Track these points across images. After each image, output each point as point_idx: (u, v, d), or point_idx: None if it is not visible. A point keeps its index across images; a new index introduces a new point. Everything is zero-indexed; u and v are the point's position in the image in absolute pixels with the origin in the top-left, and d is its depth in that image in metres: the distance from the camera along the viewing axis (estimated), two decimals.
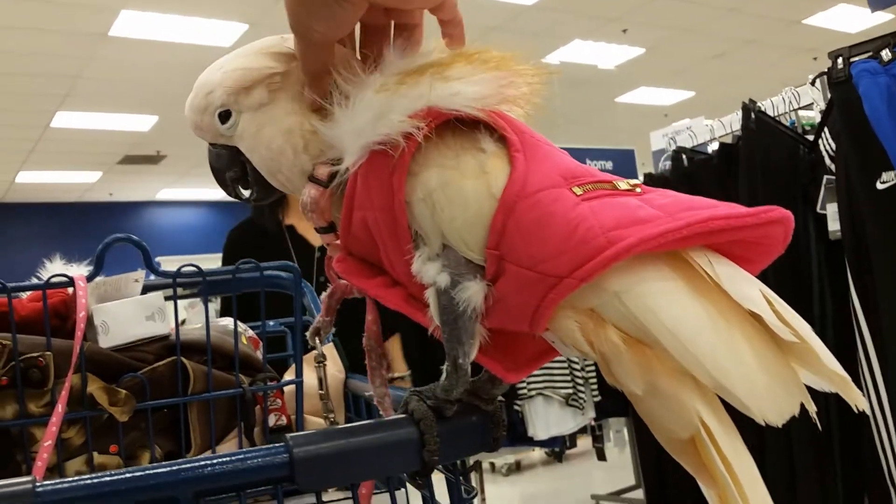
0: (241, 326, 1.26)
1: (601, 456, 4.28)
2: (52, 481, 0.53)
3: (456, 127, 0.62)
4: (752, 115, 2.16)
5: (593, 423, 5.17)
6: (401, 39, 0.68)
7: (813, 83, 2.18)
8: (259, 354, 1.32)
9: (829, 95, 2.10)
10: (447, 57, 0.64)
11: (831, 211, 2.08)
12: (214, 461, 0.56)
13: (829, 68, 1.99)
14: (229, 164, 0.71)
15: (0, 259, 12.32)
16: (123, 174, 11.74)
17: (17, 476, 1.03)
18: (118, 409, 1.07)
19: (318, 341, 0.79)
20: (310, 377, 1.25)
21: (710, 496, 0.57)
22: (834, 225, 2.06)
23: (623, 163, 9.06)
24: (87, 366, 1.06)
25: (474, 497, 0.68)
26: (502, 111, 0.64)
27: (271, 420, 1.19)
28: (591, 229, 0.57)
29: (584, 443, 5.64)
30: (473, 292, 0.60)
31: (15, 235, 12.58)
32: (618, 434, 5.11)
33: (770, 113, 2.30)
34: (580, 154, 8.90)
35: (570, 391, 5.16)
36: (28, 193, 12.18)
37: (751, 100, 2.22)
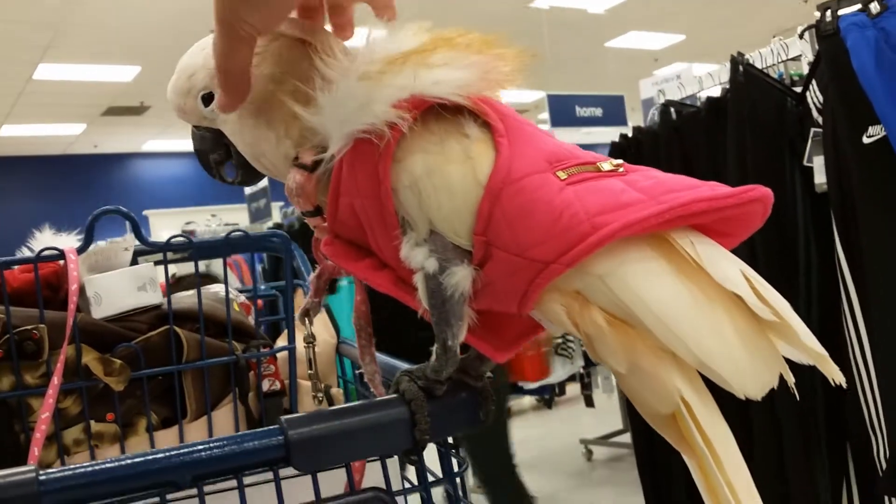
0: (233, 293, 1.27)
1: (589, 403, 4.36)
2: (55, 470, 0.54)
3: (439, 112, 0.62)
4: (741, 68, 2.15)
5: (582, 370, 5.25)
6: (336, 17, 0.67)
7: (801, 36, 2.17)
8: (251, 319, 1.34)
9: (817, 48, 2.09)
10: (429, 42, 0.63)
11: (818, 164, 2.09)
12: (212, 445, 0.58)
13: (817, 21, 1.98)
14: (213, 147, 0.71)
15: None
16: (108, 126, 11.61)
17: (17, 445, 1.06)
18: (113, 378, 1.09)
19: (307, 322, 0.80)
20: (302, 342, 1.27)
21: (692, 465, 0.59)
22: (820, 178, 2.07)
23: (612, 109, 9.00)
24: (81, 337, 1.07)
25: (465, 469, 0.70)
26: (485, 95, 0.64)
27: (265, 385, 1.21)
28: (575, 215, 0.57)
29: (573, 389, 5.73)
30: (461, 277, 0.61)
31: (1, 190, 12.48)
32: (606, 380, 5.19)
33: (758, 65, 2.29)
34: (569, 101, 8.83)
35: (560, 341, 5.23)
36: (12, 147, 12.05)
37: (739, 52, 2.21)
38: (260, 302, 1.39)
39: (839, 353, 2.02)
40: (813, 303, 2.08)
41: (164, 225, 8.33)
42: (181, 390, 1.16)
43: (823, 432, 1.96)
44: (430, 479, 0.69)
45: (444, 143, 0.62)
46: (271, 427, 0.60)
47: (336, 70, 0.62)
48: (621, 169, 0.63)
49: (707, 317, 0.57)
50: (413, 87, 0.60)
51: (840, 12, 1.92)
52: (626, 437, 4.96)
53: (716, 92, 2.49)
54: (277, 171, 0.68)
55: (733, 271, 0.57)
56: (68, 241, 1.23)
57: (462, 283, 0.61)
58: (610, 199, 0.58)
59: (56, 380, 1.01)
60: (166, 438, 1.15)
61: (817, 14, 2.04)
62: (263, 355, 1.20)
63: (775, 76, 2.31)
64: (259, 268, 4.79)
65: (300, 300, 1.33)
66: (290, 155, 0.66)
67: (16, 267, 1.21)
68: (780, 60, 2.31)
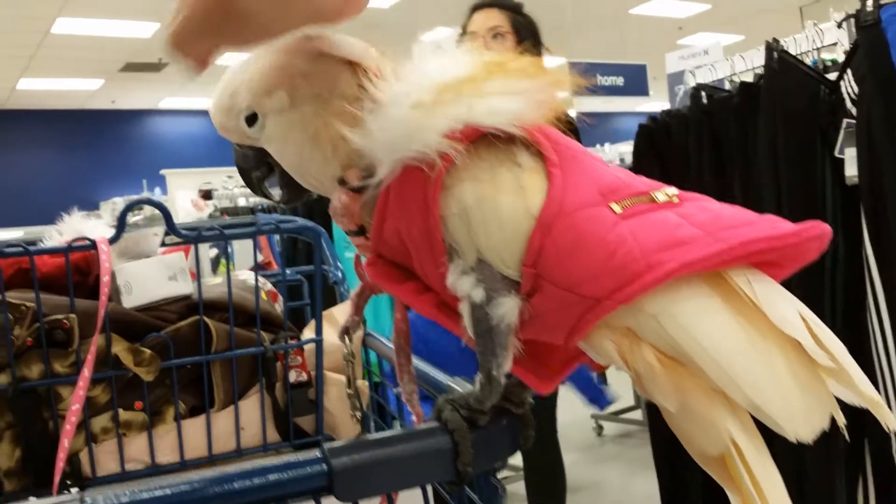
0: (260, 280, 1.27)
1: (602, 379, 4.35)
2: (100, 495, 0.54)
3: (491, 139, 0.61)
4: (775, 55, 2.11)
5: None
6: None
7: (840, 25, 2.12)
8: (278, 307, 1.34)
9: (854, 37, 2.04)
10: (482, 70, 0.61)
11: (849, 155, 2.04)
12: (255, 475, 0.57)
13: (857, 10, 1.93)
14: (256, 165, 0.70)
15: (3, 165, 12.29)
16: (125, 81, 11.57)
17: (45, 432, 1.06)
18: (143, 368, 1.09)
19: (347, 340, 0.79)
20: (329, 335, 1.27)
21: (735, 502, 0.58)
22: (851, 170, 2.03)
23: (634, 78, 8.88)
24: (111, 326, 1.07)
25: (504, 497, 0.69)
26: (539, 123, 0.62)
27: (292, 376, 1.21)
28: (630, 252, 0.56)
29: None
30: (508, 308, 0.60)
31: (17, 142, 12.51)
32: None
33: (792, 51, 2.24)
34: (590, 70, 8.74)
35: None
36: (31, 100, 12.04)
37: (774, 39, 2.16)
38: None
39: (862, 348, 2.01)
40: (837, 297, 2.06)
41: (182, 185, 8.31)
42: (209, 380, 1.16)
43: (843, 433, 1.94)
44: None
45: (495, 172, 0.61)
46: (314, 456, 0.59)
47: (387, 94, 0.61)
48: (676, 199, 0.61)
49: (762, 359, 0.55)
50: (467, 118, 0.59)
51: (883, 1, 1.87)
52: (637, 414, 4.98)
53: (748, 77, 2.44)
54: (324, 189, 0.67)
55: (791, 313, 0.56)
56: (97, 226, 1.22)
57: (509, 314, 0.60)
58: (666, 236, 0.57)
59: (87, 372, 1.01)
60: (194, 427, 1.16)
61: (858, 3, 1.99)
62: (291, 347, 1.20)
63: (809, 63, 2.26)
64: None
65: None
66: (338, 174, 0.65)
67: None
68: (814, 48, 2.26)
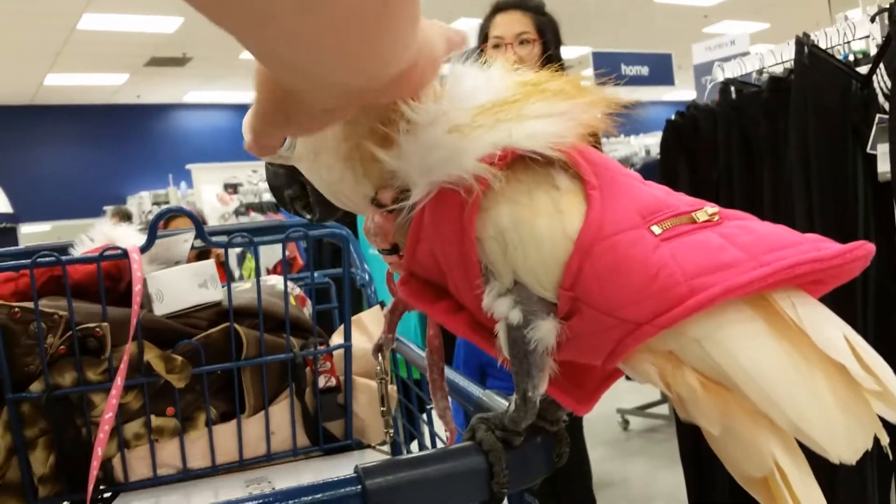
0: (289, 285, 1.27)
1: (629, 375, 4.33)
2: None
3: (529, 161, 0.60)
4: (806, 50, 2.08)
5: None
6: None
7: (873, 19, 2.08)
8: (306, 311, 1.34)
9: (886, 30, 2.01)
10: (521, 92, 0.60)
11: (882, 151, 2.01)
12: (290, 497, 0.58)
13: (891, 3, 1.90)
14: (288, 183, 0.69)
15: (31, 160, 12.44)
16: (150, 76, 11.66)
17: (79, 439, 1.08)
18: (175, 375, 1.10)
19: (380, 358, 0.79)
20: (358, 340, 1.27)
21: None
22: (884, 166, 2.01)
23: (659, 68, 8.80)
24: (143, 334, 1.07)
25: None
26: (578, 144, 0.61)
27: (321, 381, 1.21)
28: (672, 276, 0.55)
29: None
30: (546, 331, 0.59)
31: (45, 137, 12.65)
32: None
33: (822, 44, 2.21)
34: (615, 59, 8.65)
35: None
36: (57, 96, 12.17)
37: (805, 33, 2.13)
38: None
39: (894, 347, 1.98)
40: (870, 294, 2.03)
41: (207, 179, 8.36)
42: (240, 386, 1.17)
43: (887, 451, 1.92)
44: None
45: (532, 195, 0.60)
46: (348, 476, 0.59)
47: (423, 116, 0.60)
48: (717, 217, 0.60)
49: (806, 383, 0.55)
50: (506, 143, 0.58)
51: None
52: (664, 409, 4.96)
53: (777, 70, 2.41)
54: (357, 208, 0.66)
55: (836, 337, 0.55)
56: (127, 233, 1.23)
57: (547, 337, 0.59)
58: (708, 259, 0.56)
59: (119, 380, 1.02)
60: (225, 432, 1.17)
61: None
62: (320, 353, 1.20)
63: (840, 57, 2.23)
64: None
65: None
66: (369, 194, 0.64)
67: (80, 252, 1.22)
68: (845, 41, 2.23)
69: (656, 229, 0.58)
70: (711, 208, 0.61)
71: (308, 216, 0.70)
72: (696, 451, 2.67)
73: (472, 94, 0.61)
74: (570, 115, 0.60)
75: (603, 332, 0.58)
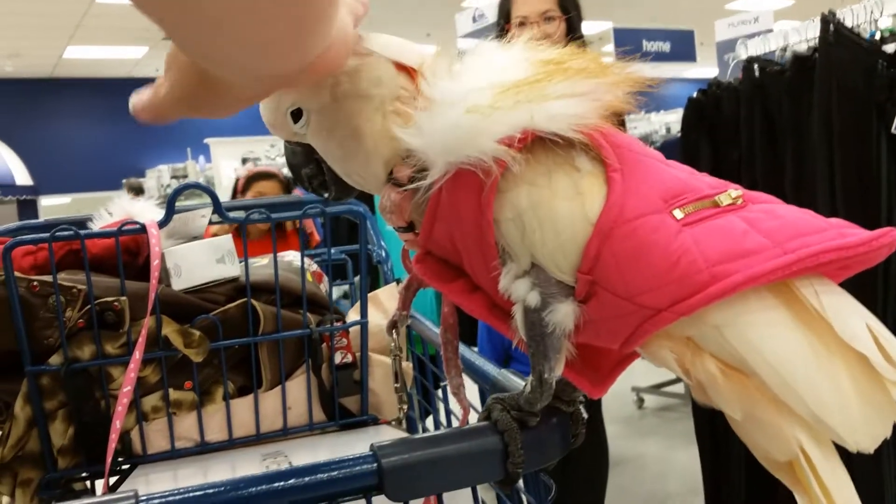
0: (306, 262, 1.27)
1: None
2: (154, 496, 0.55)
3: (548, 141, 0.59)
4: (831, 27, 2.04)
5: None
6: None
7: None
8: (323, 287, 1.34)
9: None
10: (543, 71, 0.59)
11: None
12: (305, 473, 0.58)
13: None
14: (304, 162, 0.69)
15: (50, 133, 12.52)
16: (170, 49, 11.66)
17: (97, 411, 1.09)
18: (192, 350, 1.10)
19: (395, 334, 0.78)
20: (375, 317, 1.27)
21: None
22: None
23: (681, 44, 8.69)
24: (161, 308, 1.08)
25: (553, 496, 0.69)
26: (600, 125, 0.60)
27: (337, 358, 1.21)
28: (693, 263, 0.55)
29: None
30: (564, 315, 0.58)
31: (65, 111, 12.72)
32: None
33: (848, 22, 2.17)
34: (636, 35, 8.55)
35: None
36: (76, 69, 12.21)
37: (830, 11, 2.09)
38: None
39: None
40: (891, 277, 2.01)
41: (225, 153, 8.37)
42: (257, 361, 1.17)
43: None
44: None
45: (552, 177, 0.59)
46: (363, 454, 0.59)
47: (441, 94, 0.59)
48: (740, 200, 0.59)
49: (826, 371, 0.54)
50: (527, 125, 0.57)
51: None
52: (679, 387, 4.95)
53: (801, 48, 2.37)
54: (369, 186, 0.66)
55: (859, 327, 0.54)
56: (145, 208, 1.23)
57: (565, 320, 0.59)
58: (731, 245, 0.55)
59: (138, 354, 1.03)
60: (242, 406, 1.17)
61: None
62: (336, 329, 1.20)
63: (866, 36, 2.19)
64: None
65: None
66: (380, 172, 0.63)
67: (99, 225, 1.22)
68: (872, 19, 2.19)
69: (678, 214, 0.57)
70: (735, 191, 0.60)
71: (325, 195, 0.69)
72: (711, 430, 2.66)
73: (493, 73, 0.60)
74: (593, 95, 0.59)
75: (621, 316, 0.57)
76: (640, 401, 5.03)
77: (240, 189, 3.33)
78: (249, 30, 0.43)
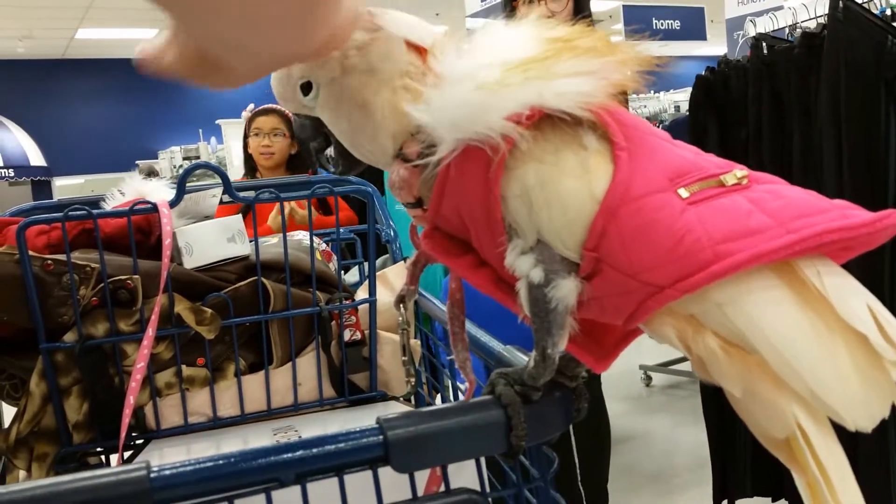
0: (315, 241, 1.29)
1: None
2: (166, 466, 0.56)
3: (556, 119, 0.60)
4: (840, 4, 2.03)
5: None
6: None
7: None
8: (332, 266, 1.36)
9: None
10: (551, 49, 0.60)
11: None
12: (312, 445, 0.59)
13: None
14: (313, 135, 0.70)
15: (63, 115, 12.55)
16: None
17: (111, 387, 1.11)
18: (205, 327, 1.12)
19: (402, 309, 0.80)
20: (383, 295, 1.29)
21: (801, 484, 0.58)
22: None
23: (691, 21, 8.63)
24: (173, 286, 1.10)
25: (555, 469, 0.70)
26: (608, 103, 0.61)
27: (346, 335, 1.23)
28: (697, 241, 0.55)
29: None
30: (567, 290, 0.60)
31: (77, 91, 12.75)
32: None
33: None
34: (646, 13, 8.49)
35: None
36: (88, 50, 12.23)
37: None
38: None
39: None
40: None
41: (237, 134, 8.38)
42: (268, 338, 1.19)
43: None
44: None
45: (559, 154, 0.60)
46: (370, 427, 0.61)
47: (451, 71, 0.60)
48: (745, 181, 0.60)
49: (825, 350, 0.55)
50: (535, 102, 0.58)
51: None
52: (686, 365, 4.96)
53: (810, 25, 2.36)
54: (376, 160, 0.67)
55: (860, 308, 0.55)
56: (157, 188, 1.25)
57: (568, 296, 0.60)
58: (735, 224, 0.56)
59: (151, 331, 1.05)
60: (253, 382, 1.20)
61: None
62: (346, 307, 1.22)
63: (877, 11, 2.17)
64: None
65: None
66: (387, 146, 0.65)
67: (112, 204, 1.24)
68: None
69: (683, 192, 0.58)
70: (741, 171, 0.61)
71: (332, 169, 0.71)
72: (718, 407, 2.68)
73: (502, 50, 0.61)
74: (601, 73, 0.59)
75: (625, 293, 0.58)
76: (648, 379, 5.05)
77: (246, 131, 3.44)
78: (252, 9, 0.44)
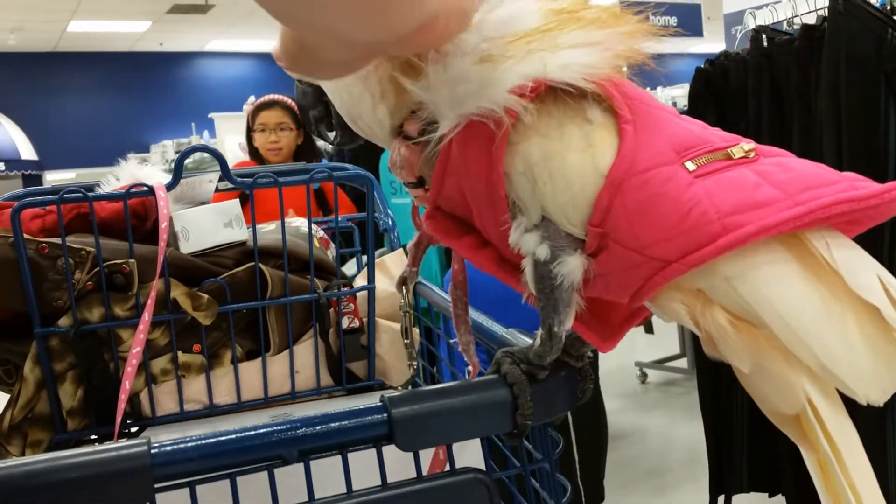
0: (313, 228, 1.28)
1: (648, 329, 4.34)
2: (167, 442, 0.55)
3: (560, 93, 0.59)
4: None
5: None
6: None
7: None
8: (330, 254, 1.35)
9: None
10: (556, 21, 0.59)
11: None
12: (317, 423, 0.58)
13: None
14: (313, 103, 0.69)
15: (55, 108, 12.49)
16: (173, 24, 11.61)
17: (106, 373, 1.09)
18: (201, 313, 1.11)
19: (404, 291, 0.79)
20: (381, 282, 1.28)
21: (810, 462, 0.57)
22: None
23: (688, 18, 8.62)
24: (169, 271, 1.08)
25: (561, 450, 0.70)
26: (613, 76, 0.60)
27: (344, 322, 1.22)
28: (705, 213, 0.54)
29: None
30: (573, 267, 0.59)
31: (68, 84, 12.68)
32: None
33: None
34: (642, 9, 8.48)
35: None
36: (80, 42, 12.16)
37: None
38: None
39: None
40: None
41: (230, 128, 8.36)
42: (265, 325, 1.18)
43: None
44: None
45: (563, 129, 0.59)
46: (374, 405, 0.60)
47: (453, 44, 0.59)
48: (753, 154, 0.59)
49: (835, 324, 0.54)
50: (539, 74, 0.57)
51: None
52: (682, 362, 4.96)
53: (810, 18, 2.36)
54: (373, 133, 0.66)
55: (871, 280, 0.54)
56: (153, 172, 1.23)
57: (574, 273, 0.59)
58: (743, 197, 0.55)
59: (147, 316, 1.03)
60: (250, 370, 1.18)
61: None
62: (344, 294, 1.21)
63: (877, 4, 2.17)
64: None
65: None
66: (385, 120, 0.63)
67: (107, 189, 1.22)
68: None
69: (690, 165, 0.57)
70: (748, 144, 0.60)
71: (330, 140, 0.70)
72: (715, 403, 2.67)
73: (505, 23, 0.59)
74: (606, 44, 0.58)
75: (631, 269, 0.57)
76: (644, 375, 5.05)
77: (250, 125, 3.41)
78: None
